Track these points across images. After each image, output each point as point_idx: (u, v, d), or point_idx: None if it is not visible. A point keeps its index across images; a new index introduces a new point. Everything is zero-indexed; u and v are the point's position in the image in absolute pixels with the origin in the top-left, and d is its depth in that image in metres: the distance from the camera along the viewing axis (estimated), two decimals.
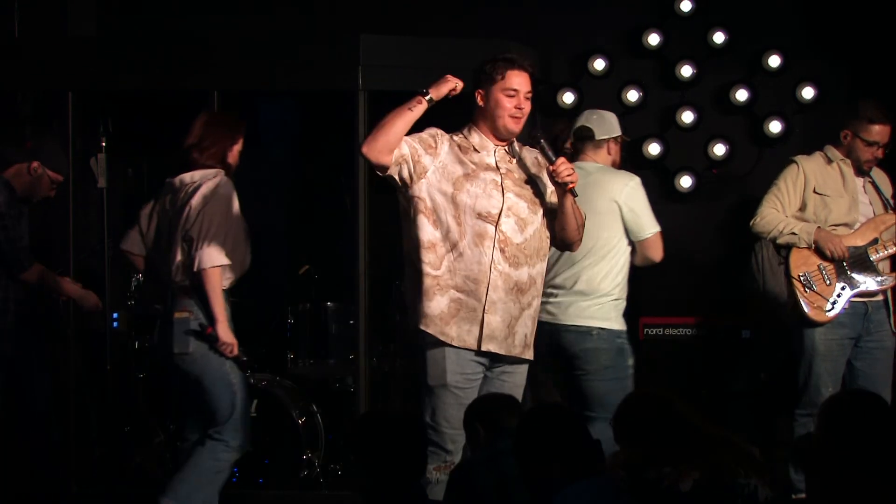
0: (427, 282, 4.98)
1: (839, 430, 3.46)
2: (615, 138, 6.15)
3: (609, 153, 6.14)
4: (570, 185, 5.02)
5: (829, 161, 6.20)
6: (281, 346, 7.19)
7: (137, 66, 6.87)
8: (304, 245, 7.78)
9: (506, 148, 5.13)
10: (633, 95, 7.48)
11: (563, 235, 5.18)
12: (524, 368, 5.19)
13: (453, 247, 4.99)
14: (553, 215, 5.14)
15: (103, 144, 6.64)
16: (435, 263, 4.99)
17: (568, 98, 7.50)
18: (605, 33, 7.59)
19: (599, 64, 7.52)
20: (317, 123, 7.82)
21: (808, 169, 6.17)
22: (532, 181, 5.13)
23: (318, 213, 7.75)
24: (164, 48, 6.96)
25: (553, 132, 5.38)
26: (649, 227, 5.97)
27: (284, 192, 7.97)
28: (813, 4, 7.39)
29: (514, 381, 5.14)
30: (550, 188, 5.13)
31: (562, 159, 5.03)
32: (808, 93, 7.33)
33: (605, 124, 6.14)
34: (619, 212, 5.94)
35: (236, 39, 7.11)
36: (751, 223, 6.22)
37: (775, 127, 7.35)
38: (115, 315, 7.16)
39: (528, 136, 5.15)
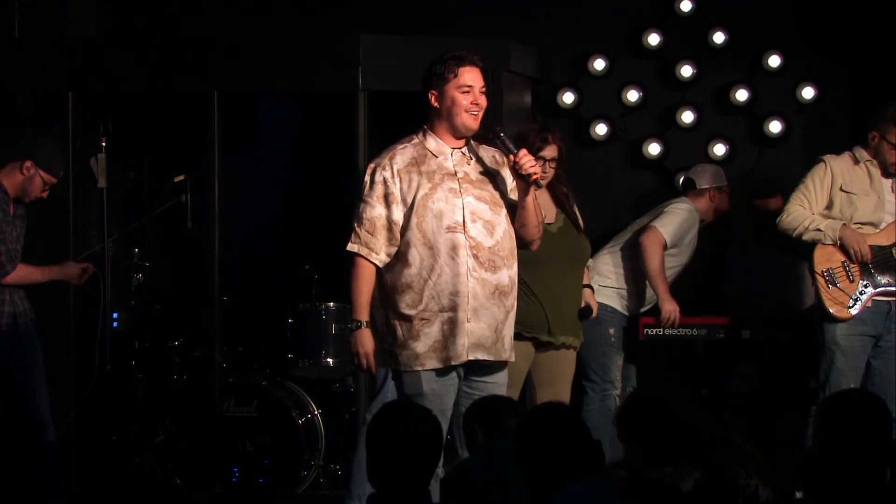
0: (412, 324, 4.98)
1: (837, 431, 3.46)
2: (718, 188, 6.88)
3: (711, 201, 6.88)
4: (534, 177, 5.00)
5: (857, 161, 6.23)
6: (281, 346, 7.19)
7: (137, 66, 6.87)
8: (304, 245, 7.78)
9: (462, 150, 5.10)
10: (633, 95, 7.47)
11: (523, 232, 5.14)
12: (504, 369, 5.17)
13: (430, 272, 4.97)
14: (515, 213, 5.12)
15: (103, 144, 6.63)
16: (415, 301, 4.98)
17: (568, 98, 7.49)
18: (605, 33, 7.58)
19: (599, 64, 7.51)
20: (317, 123, 7.82)
21: (836, 167, 6.21)
22: (492, 181, 5.10)
23: (319, 213, 7.75)
24: (164, 48, 6.96)
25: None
26: None
27: (284, 192, 7.96)
28: (813, 4, 7.39)
29: (498, 382, 5.12)
30: (511, 185, 5.11)
31: (523, 151, 5.01)
32: (808, 93, 7.32)
33: (707, 175, 6.91)
34: None
35: (236, 39, 7.10)
36: (777, 220, 6.28)
37: (775, 127, 7.34)
38: (115, 315, 7.16)
39: (487, 131, 5.13)
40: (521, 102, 7.14)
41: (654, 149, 7.45)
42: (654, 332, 6.68)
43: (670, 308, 6.57)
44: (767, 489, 4.01)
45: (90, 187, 6.90)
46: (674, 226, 6.67)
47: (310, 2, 7.66)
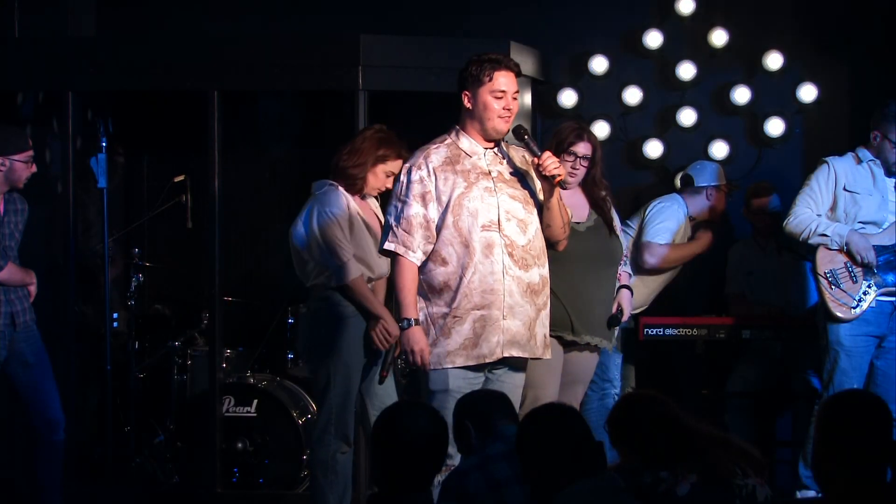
0: (445, 322, 5.01)
1: (838, 431, 3.46)
2: (716, 186, 6.88)
3: (707, 199, 6.90)
4: (558, 178, 5.01)
5: (860, 161, 6.25)
6: (281, 346, 7.19)
7: (137, 66, 6.86)
8: None
9: (495, 150, 5.12)
10: (633, 95, 7.47)
11: (549, 233, 5.17)
12: (524, 372, 5.19)
13: (465, 269, 4.99)
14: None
15: (103, 144, 6.63)
16: (450, 300, 5.01)
17: (568, 98, 7.49)
18: (605, 33, 7.58)
19: (599, 64, 7.51)
20: (317, 123, 7.82)
21: (839, 168, 6.23)
22: (523, 180, 5.13)
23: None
24: (164, 48, 6.96)
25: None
26: None
27: (284, 192, 7.96)
28: (813, 4, 7.39)
29: (514, 382, 5.14)
30: (539, 185, 5.12)
31: (547, 153, 5.04)
32: (808, 93, 7.32)
33: (705, 173, 6.92)
34: None
35: (236, 39, 7.11)
36: (783, 223, 6.29)
37: (775, 127, 7.34)
38: (115, 315, 7.16)
39: (512, 132, 5.14)
40: (521, 102, 7.13)
41: (654, 149, 7.45)
42: (654, 332, 6.68)
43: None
44: (766, 487, 4.02)
45: (90, 187, 6.90)
46: (662, 225, 6.71)
47: (310, 2, 7.66)
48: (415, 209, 5.02)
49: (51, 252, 6.94)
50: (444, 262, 5.02)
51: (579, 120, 7.00)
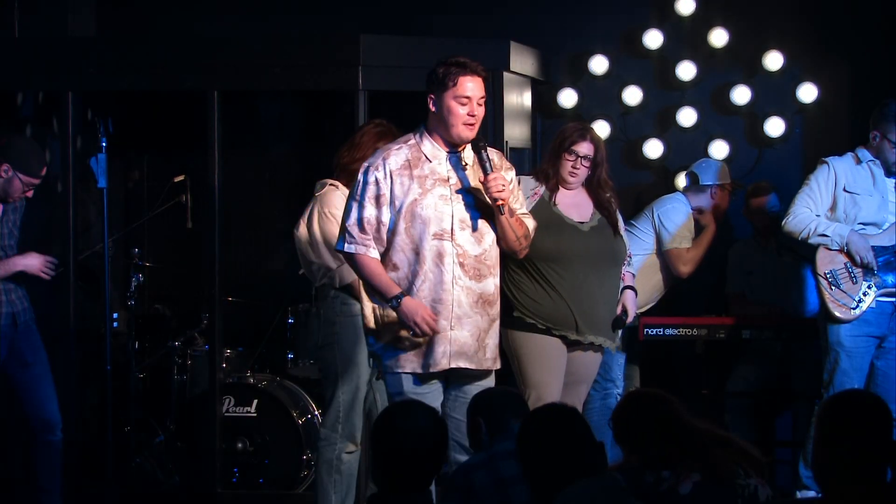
0: (395, 327, 4.97)
1: (838, 431, 3.46)
2: (720, 185, 6.92)
3: (712, 198, 6.93)
4: (499, 202, 4.96)
5: (860, 161, 6.25)
6: (281, 346, 7.19)
7: (137, 66, 6.86)
8: None
9: (458, 155, 5.06)
10: (633, 95, 7.47)
11: (502, 244, 5.10)
12: (490, 377, 5.16)
13: (415, 277, 4.95)
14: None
15: (103, 144, 6.63)
16: None
17: (568, 98, 7.49)
18: (605, 33, 7.58)
19: (599, 64, 7.51)
20: (317, 123, 7.83)
21: (839, 168, 6.23)
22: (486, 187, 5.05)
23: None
24: (165, 48, 6.96)
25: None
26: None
27: (284, 192, 7.97)
28: (813, 4, 7.39)
29: (484, 386, 5.11)
30: None
31: (493, 175, 4.95)
32: (808, 93, 7.32)
33: (710, 171, 6.96)
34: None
35: (236, 39, 7.11)
36: (782, 223, 6.29)
37: (775, 127, 7.34)
38: (115, 315, 7.16)
39: (471, 143, 5.05)
40: (521, 102, 7.14)
41: (654, 149, 7.45)
42: (655, 332, 6.69)
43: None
44: (767, 487, 4.02)
45: (90, 187, 6.90)
46: (681, 229, 6.73)
47: (310, 2, 7.67)
48: (369, 211, 4.95)
49: (51, 252, 6.93)
50: (395, 268, 4.96)
51: (582, 120, 7.00)
